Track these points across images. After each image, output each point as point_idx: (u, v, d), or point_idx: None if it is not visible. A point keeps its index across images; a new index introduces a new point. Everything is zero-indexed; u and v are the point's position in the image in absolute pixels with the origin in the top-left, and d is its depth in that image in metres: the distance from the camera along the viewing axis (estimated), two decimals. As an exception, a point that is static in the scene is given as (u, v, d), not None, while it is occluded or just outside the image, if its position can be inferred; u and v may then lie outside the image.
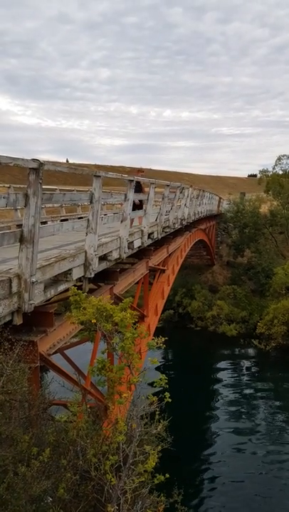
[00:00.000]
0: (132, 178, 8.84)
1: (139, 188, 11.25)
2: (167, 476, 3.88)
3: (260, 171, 45.57)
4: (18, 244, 4.79)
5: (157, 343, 4.43)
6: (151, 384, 4.32)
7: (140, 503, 3.39)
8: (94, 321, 4.15)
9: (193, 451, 15.95)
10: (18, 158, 4.39)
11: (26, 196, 4.65)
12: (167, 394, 4.02)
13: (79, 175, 7.50)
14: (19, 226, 12.06)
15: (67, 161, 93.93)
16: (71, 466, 3.41)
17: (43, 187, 4.93)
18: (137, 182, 10.84)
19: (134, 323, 4.67)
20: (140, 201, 11.70)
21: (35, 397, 4.11)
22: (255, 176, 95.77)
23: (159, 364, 24.27)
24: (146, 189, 13.28)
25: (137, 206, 11.91)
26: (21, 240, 4.74)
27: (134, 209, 11.56)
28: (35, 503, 2.89)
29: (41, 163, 4.60)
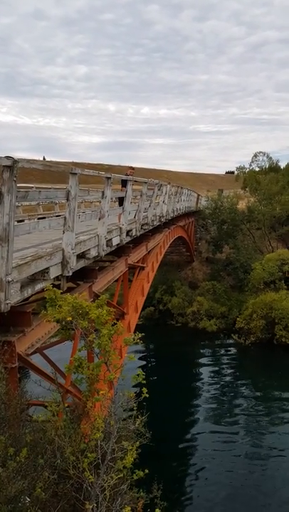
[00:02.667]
0: (109, 176, 8.80)
1: (124, 186, 11.22)
2: (146, 471, 3.91)
3: (237, 168, 46.26)
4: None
5: (134, 339, 4.44)
6: (130, 380, 4.33)
7: (119, 499, 3.40)
8: (70, 318, 4.12)
9: (173, 446, 16.07)
10: (-9, 156, 4.32)
11: (0, 194, 4.57)
12: (145, 389, 4.04)
13: (56, 173, 7.42)
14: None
15: (44, 158, 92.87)
16: (48, 465, 3.39)
17: (18, 185, 4.86)
18: (123, 180, 10.95)
19: (115, 321, 4.67)
20: (122, 198, 11.74)
21: (12, 397, 4.06)
22: (232, 172, 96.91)
23: (141, 361, 24.34)
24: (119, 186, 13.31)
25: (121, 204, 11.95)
26: (-4, 238, 4.66)
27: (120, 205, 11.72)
28: (11, 504, 2.85)
29: (15, 161, 4.53)
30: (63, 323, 4.24)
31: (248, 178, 39.67)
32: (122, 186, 11.41)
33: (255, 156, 43.69)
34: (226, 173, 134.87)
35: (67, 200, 6.71)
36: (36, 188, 15.30)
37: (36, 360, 6.68)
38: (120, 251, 11.46)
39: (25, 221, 13.64)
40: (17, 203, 5.46)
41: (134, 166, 14.33)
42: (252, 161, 43.53)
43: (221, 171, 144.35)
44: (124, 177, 10.98)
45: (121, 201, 11.88)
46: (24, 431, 3.69)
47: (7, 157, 4.48)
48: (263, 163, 44.49)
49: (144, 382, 3.95)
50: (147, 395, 4.01)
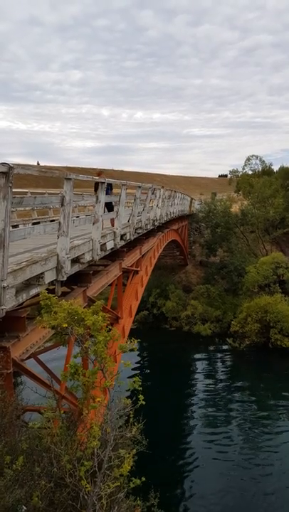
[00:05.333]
0: (103, 180, 8.81)
1: (109, 189, 11.23)
2: (143, 479, 3.89)
3: (230, 172, 46.59)
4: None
5: (130, 346, 4.43)
6: (128, 387, 4.32)
7: (116, 508, 3.38)
8: (65, 325, 4.11)
9: (170, 453, 16.01)
10: (-14, 162, 4.31)
11: (-5, 200, 4.56)
12: (141, 396, 4.03)
13: (50, 177, 7.42)
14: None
15: (38, 163, 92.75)
16: (45, 473, 3.36)
17: (14, 190, 4.85)
18: (107, 184, 10.83)
19: (109, 326, 4.66)
20: (110, 203, 11.61)
21: (7, 404, 4.03)
22: (225, 176, 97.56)
23: (135, 366, 24.27)
24: (116, 190, 13.25)
25: (108, 208, 11.80)
26: (-9, 244, 4.64)
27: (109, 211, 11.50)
28: (8, 513, 2.83)
29: (11, 167, 4.52)
30: (59, 329, 4.22)
31: (241, 182, 39.93)
32: (95, 191, 11.39)
33: (249, 159, 44.05)
34: (219, 176, 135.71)
35: (62, 205, 6.70)
36: (31, 193, 15.28)
37: (30, 365, 6.64)
38: (114, 255, 11.45)
39: (20, 226, 13.59)
40: (12, 209, 5.45)
41: (127, 170, 14.36)
42: (245, 165, 43.91)
43: (214, 175, 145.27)
44: (111, 180, 10.93)
45: (107, 206, 11.69)
46: (20, 438, 3.66)
47: (3, 163, 4.47)
48: (256, 167, 44.89)
49: (140, 388, 3.94)
50: (144, 402, 4.00)
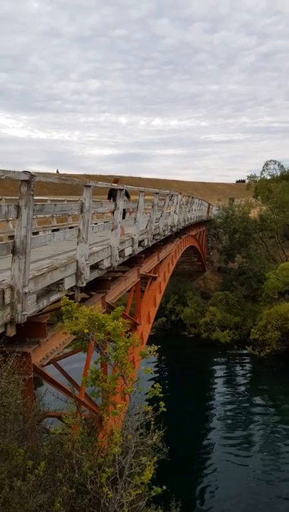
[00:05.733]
0: (121, 187, 8.87)
1: (127, 194, 11.23)
2: (164, 487, 3.84)
3: (248, 177, 46.14)
4: (11, 255, 4.77)
5: (150, 352, 4.42)
6: (146, 393, 4.30)
7: (137, 515, 3.35)
8: (86, 330, 4.13)
9: (190, 461, 15.85)
10: (10, 171, 4.41)
11: (18, 208, 4.65)
12: (162, 403, 4.00)
13: (69, 185, 7.52)
14: (11, 237, 11.95)
15: (57, 171, 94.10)
16: (67, 479, 3.36)
17: (35, 198, 4.93)
18: (115, 190, 10.72)
19: (127, 332, 4.66)
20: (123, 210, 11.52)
21: (29, 409, 4.06)
22: (243, 181, 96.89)
23: (153, 373, 24.16)
24: (134, 197, 13.25)
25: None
26: (14, 251, 4.73)
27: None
28: (31, 519, 2.84)
29: (32, 175, 4.61)
30: (80, 335, 4.25)
31: (259, 187, 39.49)
32: (108, 198, 11.33)
33: (267, 164, 43.58)
34: (237, 182, 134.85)
35: (82, 212, 6.78)
36: (51, 200, 15.52)
37: (50, 370, 6.69)
38: (132, 261, 11.48)
39: (40, 233, 13.80)
40: (33, 216, 5.55)
41: (144, 176, 14.45)
42: (263, 170, 43.42)
43: (232, 180, 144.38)
44: (129, 187, 10.84)
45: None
46: (42, 443, 3.69)
47: (25, 172, 4.56)
48: (274, 172, 44.36)
49: (162, 395, 3.92)
50: (165, 409, 3.97)
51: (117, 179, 12.88)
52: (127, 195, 10.98)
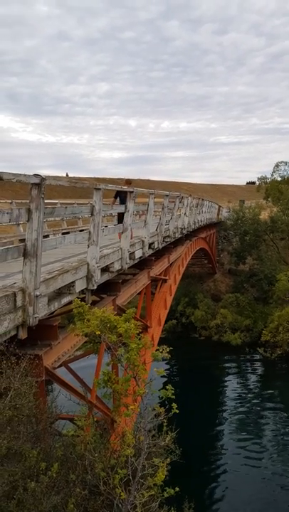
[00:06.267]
0: (132, 190, 8.89)
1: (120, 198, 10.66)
2: (177, 489, 3.82)
3: (258, 178, 45.74)
4: (22, 258, 4.81)
5: (162, 353, 4.41)
6: (158, 395, 4.29)
7: (150, 517, 3.34)
8: (98, 332, 4.14)
9: (202, 463, 15.75)
10: (20, 174, 4.45)
11: (29, 211, 4.69)
12: (174, 405, 3.98)
13: (79, 188, 7.56)
14: (22, 241, 12.03)
15: (67, 175, 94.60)
16: (80, 480, 3.37)
17: (45, 201, 4.97)
18: (124, 192, 10.14)
19: (138, 334, 4.66)
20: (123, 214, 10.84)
21: (42, 411, 4.08)
22: (253, 183, 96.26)
23: (164, 375, 24.09)
24: (143, 199, 13.18)
25: (120, 219, 10.76)
26: (25, 254, 4.77)
27: (119, 222, 10.68)
28: (45, 520, 2.85)
29: (43, 178, 4.64)
30: (91, 337, 4.26)
31: (270, 188, 39.16)
32: (114, 198, 10.82)
33: (277, 165, 43.16)
34: (247, 183, 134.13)
35: (92, 215, 6.80)
36: (61, 203, 15.63)
37: (61, 373, 6.71)
38: (143, 264, 11.48)
39: (50, 236, 13.89)
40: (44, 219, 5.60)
41: (154, 179, 14.25)
42: (274, 171, 42.99)
43: (242, 182, 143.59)
44: (139, 190, 10.47)
45: (120, 218, 10.62)
46: (54, 445, 3.70)
47: (35, 175, 4.60)
48: (285, 173, 43.90)
49: (174, 397, 3.91)
50: (177, 411, 3.96)
51: (129, 181, 12.15)
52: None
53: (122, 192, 10.06)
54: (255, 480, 14.82)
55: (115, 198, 11.05)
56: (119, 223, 10.47)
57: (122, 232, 8.93)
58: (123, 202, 10.03)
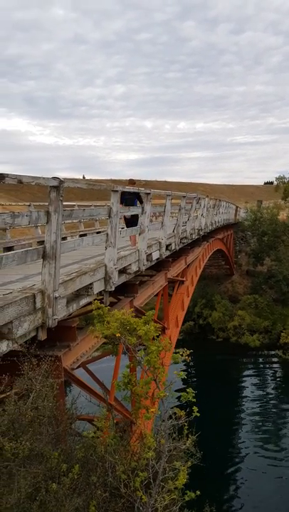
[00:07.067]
0: (148, 191, 8.89)
1: (140, 199, 10.14)
2: (198, 493, 3.78)
3: (276, 178, 45.31)
4: (41, 260, 4.86)
5: (183, 356, 4.38)
6: (178, 398, 4.26)
7: (171, 520, 3.31)
8: (118, 334, 4.14)
9: (222, 467, 15.61)
10: (39, 177, 4.49)
11: (48, 213, 4.73)
12: (195, 408, 3.95)
13: (96, 190, 7.59)
14: (40, 243, 12.13)
15: (83, 177, 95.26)
16: (101, 483, 3.37)
17: (63, 203, 5.00)
18: (138, 193, 9.93)
19: (157, 336, 4.64)
20: (136, 216, 9.91)
21: (62, 412, 4.10)
22: (271, 183, 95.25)
23: (183, 377, 23.92)
24: (160, 201, 13.11)
25: (130, 222, 10.32)
26: (44, 256, 4.81)
27: (128, 225, 10.17)
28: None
29: (61, 181, 4.68)
30: (111, 339, 4.26)
31: (288, 188, 38.68)
32: (121, 202, 9.14)
33: (295, 165, 42.61)
34: (265, 183, 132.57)
35: (109, 216, 6.82)
36: (78, 206, 15.74)
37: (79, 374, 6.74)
38: (160, 265, 11.46)
39: (68, 238, 14.00)
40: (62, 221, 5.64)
41: (170, 180, 14.07)
42: (292, 171, 42.47)
43: (260, 182, 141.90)
44: (156, 191, 9.93)
45: (129, 222, 10.33)
46: (75, 446, 3.71)
47: (54, 178, 4.64)
48: (303, 173, 43.28)
49: (194, 400, 3.87)
50: (198, 414, 3.92)
51: (133, 181, 11.37)
52: (140, 199, 10.11)
53: (125, 193, 9.56)
54: (276, 483, 14.62)
55: (122, 200, 10.51)
56: (128, 227, 10.00)
57: (140, 234, 8.93)
58: (127, 204, 9.81)
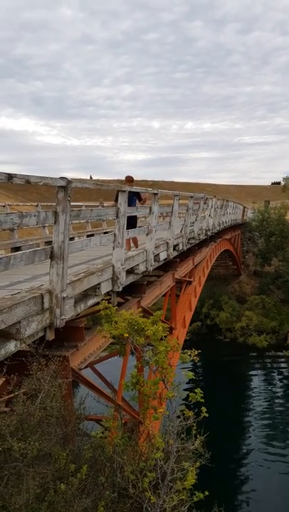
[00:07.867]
0: (156, 192, 8.88)
1: (139, 197, 9.77)
2: (207, 493, 3.76)
3: (284, 178, 45.05)
4: (49, 260, 4.87)
5: (191, 356, 4.36)
6: (186, 398, 4.25)
7: (180, 521, 3.30)
8: (126, 335, 4.13)
9: (230, 467, 15.54)
10: (47, 177, 4.50)
11: (55, 214, 4.74)
12: (204, 408, 3.93)
13: (103, 190, 7.60)
14: (47, 243, 12.14)
15: (90, 177, 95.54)
16: (109, 483, 3.36)
17: (71, 204, 5.01)
18: (138, 192, 9.53)
19: (165, 336, 4.63)
20: (134, 217, 9.61)
21: (70, 412, 4.11)
22: (279, 183, 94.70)
23: (190, 378, 23.86)
24: (167, 201, 13.07)
25: (130, 223, 8.75)
26: (52, 256, 4.82)
27: (127, 226, 9.52)
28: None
29: (69, 181, 4.69)
30: (119, 339, 4.26)
31: (295, 188, 38.43)
32: (115, 201, 8.04)
33: (303, 165, 42.31)
34: (272, 184, 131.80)
35: (117, 217, 6.83)
36: (86, 206, 15.77)
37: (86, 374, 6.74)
38: (167, 266, 11.45)
39: (75, 238, 14.04)
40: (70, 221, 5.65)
41: (177, 180, 13.94)
42: (299, 171, 42.18)
43: (267, 182, 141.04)
44: (163, 192, 9.56)
45: (129, 222, 8.59)
46: (83, 447, 3.71)
47: (61, 178, 4.64)
48: (311, 172, 42.98)
49: (203, 400, 3.85)
50: (206, 415, 3.90)
51: (131, 178, 10.46)
52: (139, 197, 9.72)
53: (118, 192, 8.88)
54: (285, 483, 14.53)
55: (116, 201, 10.05)
56: (128, 228, 8.58)
57: (147, 234, 8.92)
58: (133, 204, 9.41)
